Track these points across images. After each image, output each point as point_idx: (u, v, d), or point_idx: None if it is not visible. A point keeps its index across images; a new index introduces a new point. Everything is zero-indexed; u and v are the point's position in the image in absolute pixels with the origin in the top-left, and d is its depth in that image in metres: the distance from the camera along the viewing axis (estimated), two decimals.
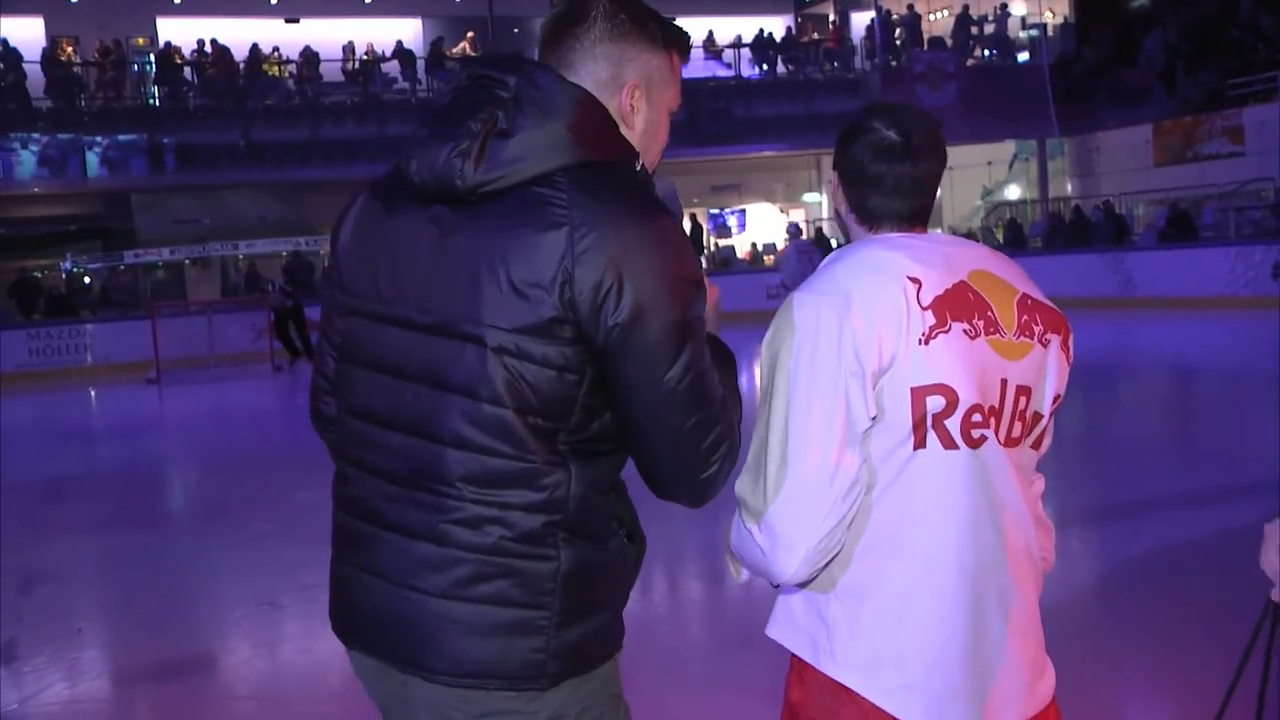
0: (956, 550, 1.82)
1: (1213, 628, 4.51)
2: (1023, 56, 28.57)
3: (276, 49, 25.81)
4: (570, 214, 1.57)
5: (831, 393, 1.75)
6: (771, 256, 26.94)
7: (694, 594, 5.71)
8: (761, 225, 29.07)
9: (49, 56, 24.22)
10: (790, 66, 28.20)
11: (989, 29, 28.65)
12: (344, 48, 26.17)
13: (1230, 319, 16.59)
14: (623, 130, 1.71)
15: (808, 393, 1.75)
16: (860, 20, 29.24)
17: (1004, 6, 28.99)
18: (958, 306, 1.84)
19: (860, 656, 1.82)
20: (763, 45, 28.15)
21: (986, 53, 28.51)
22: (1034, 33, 28.86)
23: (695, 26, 27.95)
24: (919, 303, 1.80)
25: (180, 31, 25.48)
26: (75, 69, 24.60)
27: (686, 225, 26.04)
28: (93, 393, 17.91)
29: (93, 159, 23.07)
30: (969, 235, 27.53)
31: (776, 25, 29.42)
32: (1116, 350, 15.28)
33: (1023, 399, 1.89)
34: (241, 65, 24.99)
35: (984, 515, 1.84)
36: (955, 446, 1.81)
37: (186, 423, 14.20)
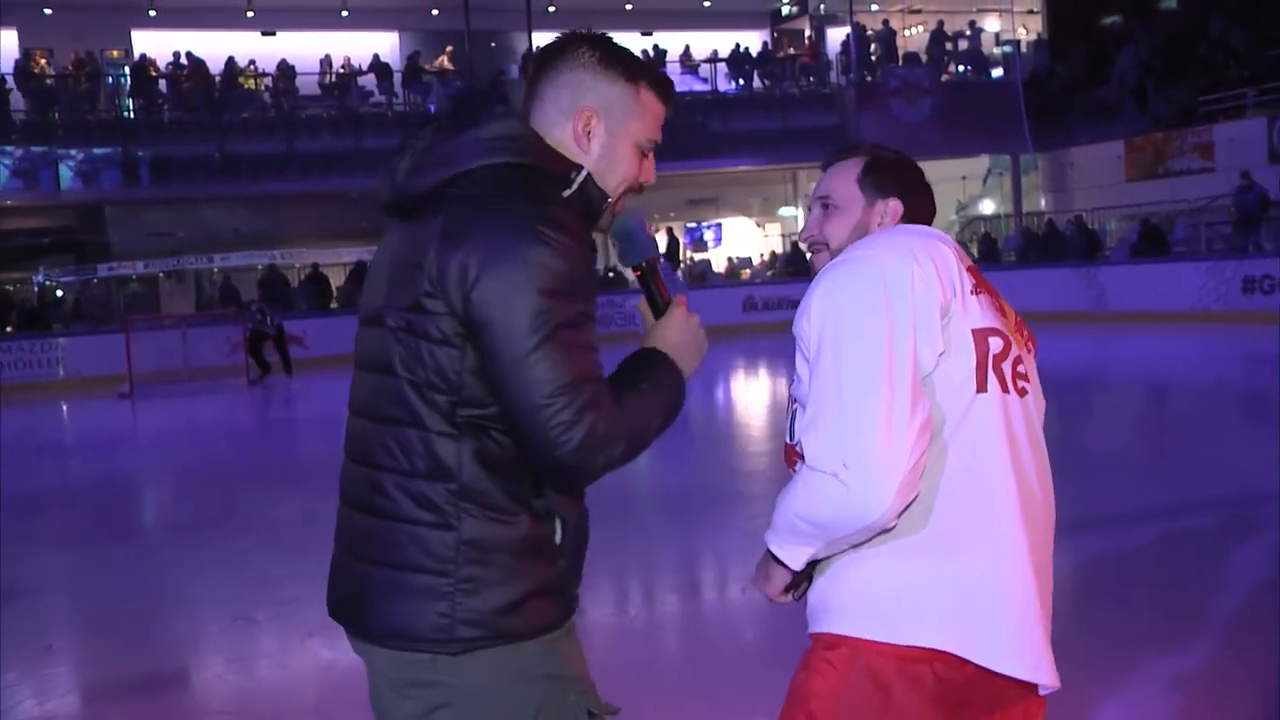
0: (1021, 499, 1.88)
1: (1189, 640, 4.54)
2: (997, 73, 28.80)
3: (252, 62, 25.75)
4: (451, 204, 1.75)
5: (905, 332, 1.78)
6: (748, 270, 27.02)
7: (670, 606, 5.71)
8: (738, 239, 29.16)
9: (22, 69, 24.08)
10: (766, 81, 28.33)
11: (963, 45, 28.87)
12: (320, 61, 26.12)
13: (1202, 333, 16.74)
14: (577, 154, 1.85)
15: (881, 333, 1.77)
16: (836, 36, 29.43)
17: (973, 24, 29.21)
18: (980, 281, 1.95)
19: (946, 616, 1.80)
20: (739, 60, 28.27)
21: (961, 68, 28.73)
22: (1007, 49, 29.11)
23: (672, 41, 28.07)
24: (960, 263, 1.91)
25: (155, 44, 25.39)
26: (49, 81, 24.47)
27: (663, 240, 26.15)
28: (65, 407, 17.78)
29: (66, 172, 22.94)
30: None
31: (753, 40, 29.57)
32: (1090, 364, 15.38)
33: (1025, 364, 1.99)
34: (217, 78, 24.92)
35: (1034, 463, 1.94)
36: (1009, 391, 1.89)
37: (160, 437, 14.11)
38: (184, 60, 25.04)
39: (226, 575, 6.63)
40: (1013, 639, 1.83)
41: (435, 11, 27.28)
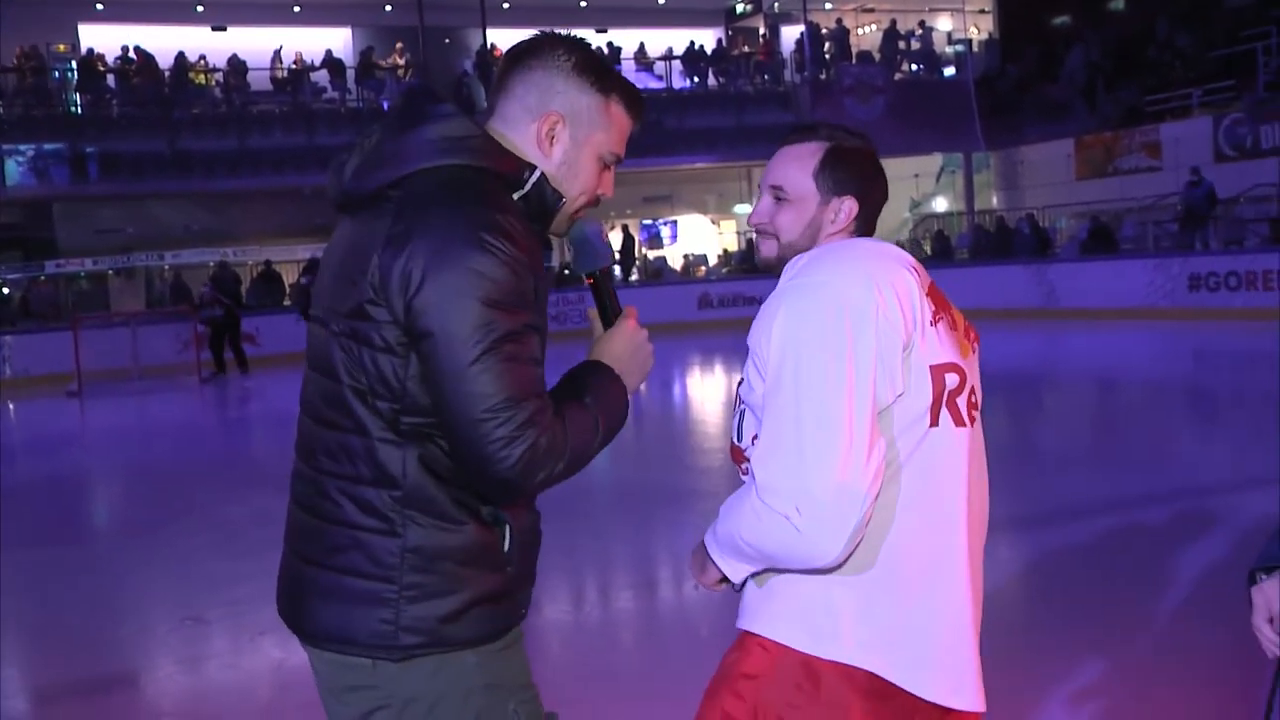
0: (965, 526, 1.91)
1: (1140, 634, 4.61)
2: (949, 71, 29.04)
3: (203, 57, 25.46)
4: (396, 207, 1.72)
5: (866, 370, 1.76)
6: (704, 268, 27.08)
7: (626, 603, 5.72)
8: (693, 236, 29.21)
9: None
10: (721, 79, 28.40)
11: (915, 44, 29.09)
12: (272, 56, 25.87)
13: (1149, 329, 16.97)
14: (537, 156, 1.84)
15: (842, 371, 1.75)
16: (790, 34, 29.56)
17: (925, 23, 29.44)
18: (938, 301, 1.93)
19: (874, 637, 1.82)
20: (694, 58, 28.33)
21: (913, 67, 28.94)
22: (959, 48, 29.37)
23: (627, 39, 28.07)
24: (921, 289, 1.88)
25: (103, 38, 25.05)
26: None
27: (618, 237, 26.13)
28: (11, 406, 17.50)
29: (13, 167, 22.57)
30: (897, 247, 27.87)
31: (707, 38, 29.64)
32: (1040, 360, 15.56)
33: (976, 392, 1.98)
34: (167, 73, 24.62)
35: (979, 491, 1.96)
36: (964, 424, 1.90)
37: (109, 436, 13.93)
38: (133, 55, 24.71)
39: (176, 575, 6.56)
40: (938, 666, 1.86)
41: (389, 7, 27.11)
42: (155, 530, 7.80)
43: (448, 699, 1.75)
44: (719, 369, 17.23)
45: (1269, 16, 23.30)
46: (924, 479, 1.84)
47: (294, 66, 25.93)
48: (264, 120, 24.74)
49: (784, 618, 1.86)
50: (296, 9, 26.55)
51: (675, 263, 27.34)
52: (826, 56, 28.01)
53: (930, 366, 1.84)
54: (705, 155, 26.53)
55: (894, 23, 28.87)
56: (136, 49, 24.72)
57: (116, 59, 24.69)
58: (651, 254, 27.94)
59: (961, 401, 1.89)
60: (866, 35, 29.97)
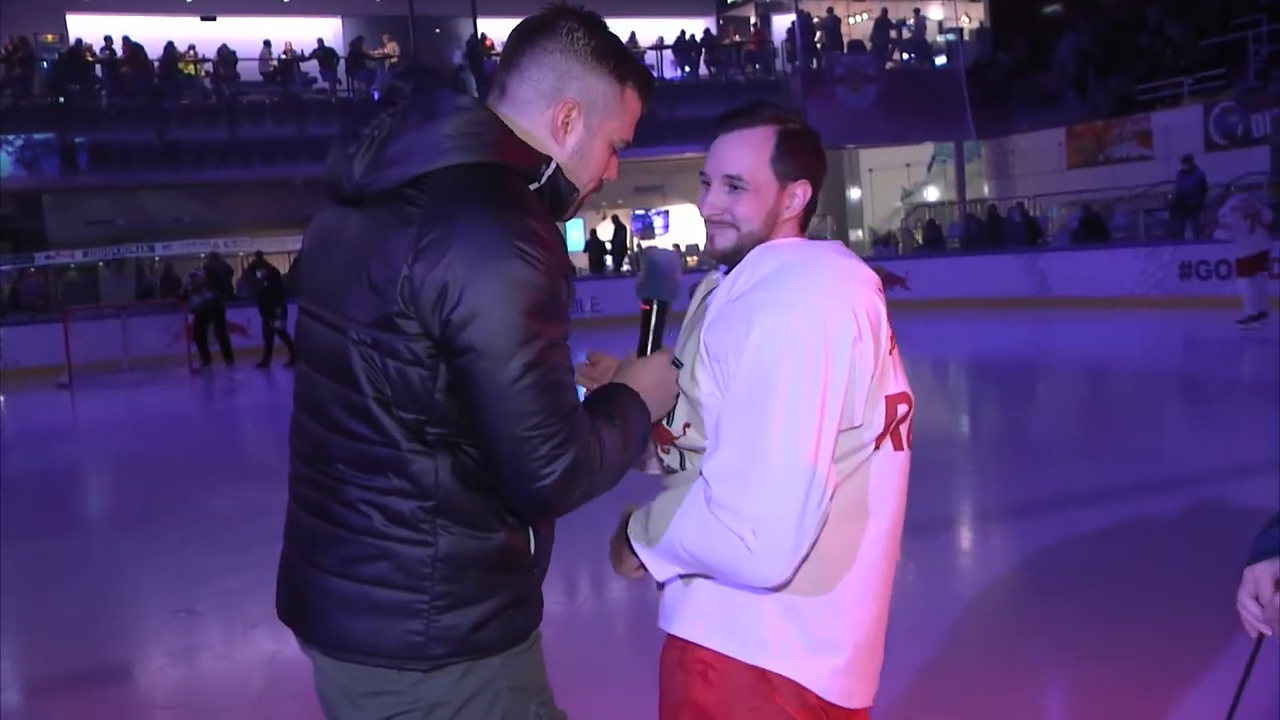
0: (889, 543, 1.94)
1: (1124, 625, 4.62)
2: (940, 60, 29.01)
3: (192, 47, 25.35)
4: (421, 213, 1.64)
5: (835, 404, 1.78)
6: (695, 257, 27.07)
7: (619, 595, 5.72)
8: (685, 226, 29.20)
9: None
10: (712, 68, 28.35)
11: (907, 33, 29.05)
12: (263, 46, 25.77)
13: (1141, 318, 17.00)
14: (550, 144, 1.77)
15: (815, 403, 1.76)
16: (781, 23, 29.50)
17: (917, 11, 29.40)
18: (891, 332, 1.94)
19: (796, 645, 1.85)
20: (685, 47, 28.26)
21: (905, 56, 28.91)
22: (950, 37, 29.33)
23: (618, 27, 27.38)
24: (885, 314, 1.89)
25: (91, 28, 24.93)
26: None
27: (609, 228, 26.10)
28: (2, 398, 17.45)
29: (2, 158, 22.47)
30: (888, 236, 27.96)
31: (698, 27, 29.57)
32: (1031, 349, 15.57)
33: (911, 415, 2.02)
34: (156, 63, 24.51)
35: (902, 508, 1.98)
36: (901, 449, 1.93)
37: (100, 428, 13.89)
38: (121, 45, 24.60)
39: (168, 567, 6.55)
40: (864, 676, 1.93)
41: None
42: (146, 522, 7.79)
43: (474, 703, 1.73)
44: None
45: (1259, 5, 23.31)
46: (859, 498, 1.88)
47: (284, 56, 25.82)
48: (254, 111, 24.65)
49: (702, 620, 1.90)
50: None
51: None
52: (818, 45, 27.96)
53: (886, 397, 1.87)
54: (697, 145, 26.39)
55: (885, 11, 28.84)
56: (125, 39, 24.60)
57: (104, 49, 24.56)
58: (644, 244, 27.91)
59: (904, 427, 1.93)
60: (858, 24, 29.92)
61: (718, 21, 30.86)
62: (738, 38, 29.86)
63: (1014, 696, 3.95)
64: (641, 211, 29.05)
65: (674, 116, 26.06)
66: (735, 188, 1.93)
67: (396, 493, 1.68)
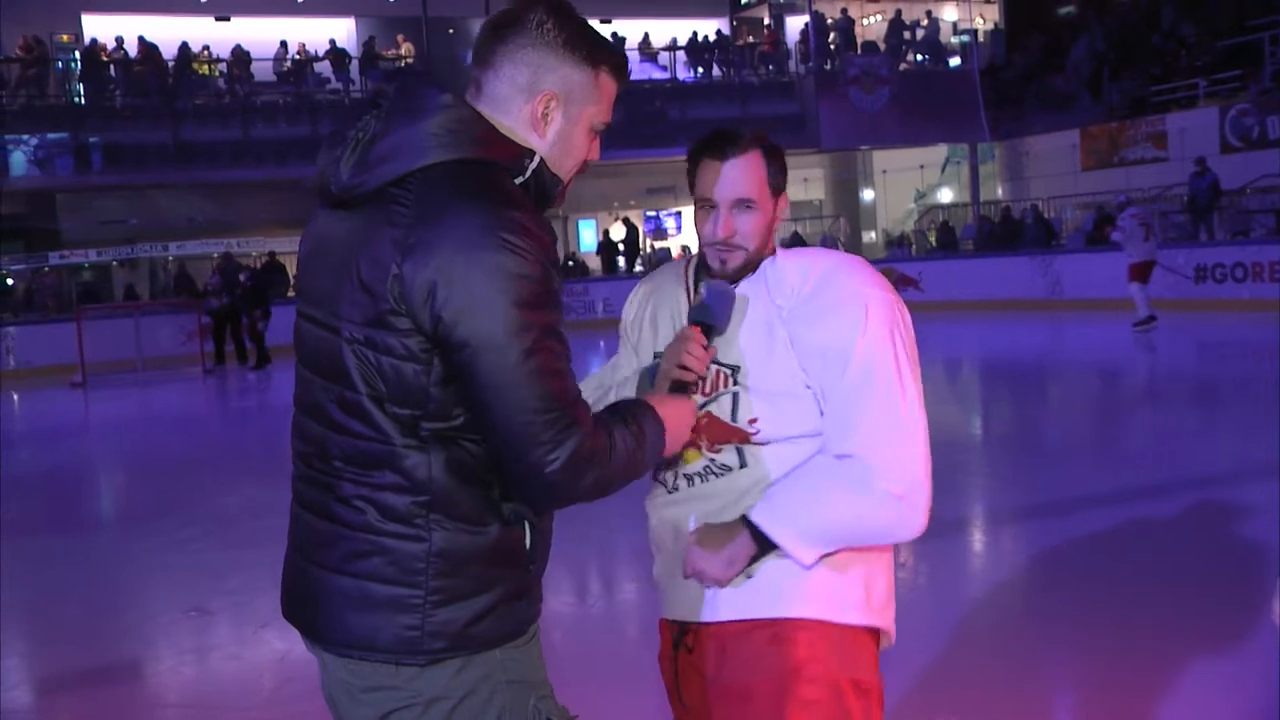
0: None
1: (1132, 627, 4.59)
2: (954, 61, 28.94)
3: (206, 47, 25.43)
4: (408, 212, 1.66)
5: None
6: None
7: (630, 594, 5.71)
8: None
9: None
10: (725, 69, 28.32)
11: (920, 34, 28.99)
12: (279, 46, 25.82)
13: (1156, 321, 16.90)
14: (531, 137, 1.79)
15: (916, 367, 2.06)
16: (795, 24, 29.46)
17: (930, 13, 29.34)
18: None
19: (881, 599, 2.11)
20: (698, 48, 28.24)
21: (919, 58, 28.84)
22: (964, 38, 29.25)
23: (631, 29, 28.00)
24: None
25: (106, 28, 25.02)
26: None
27: (621, 229, 26.10)
28: (15, 396, 17.51)
29: (17, 158, 22.56)
30: (902, 238, 27.91)
31: (711, 28, 29.55)
32: (1045, 352, 15.51)
33: None
34: (170, 63, 24.59)
35: None
36: None
37: (112, 426, 13.93)
38: (135, 45, 24.68)
39: (179, 566, 6.56)
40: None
41: None
42: (157, 520, 7.80)
43: (473, 697, 1.74)
44: None
45: (1276, 6, 23.16)
46: None
47: (297, 57, 25.88)
48: (268, 111, 24.71)
49: (824, 597, 2.03)
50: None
51: (678, 254, 27.32)
52: (831, 47, 27.92)
53: None
54: None
55: (899, 13, 28.78)
56: (140, 39, 24.68)
57: (118, 49, 24.64)
58: (656, 245, 27.91)
59: None
60: (871, 25, 29.88)
61: (731, 22, 30.83)
62: (751, 39, 29.82)
63: (1024, 697, 3.92)
64: (653, 213, 29.05)
65: (687, 118, 26.07)
66: (747, 209, 2.06)
67: (391, 488, 1.70)
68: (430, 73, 1.82)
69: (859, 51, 27.73)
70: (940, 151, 29.50)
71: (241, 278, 18.86)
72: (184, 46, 24.86)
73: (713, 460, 2.07)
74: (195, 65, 25.03)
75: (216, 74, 25.40)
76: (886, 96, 26.31)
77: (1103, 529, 6.14)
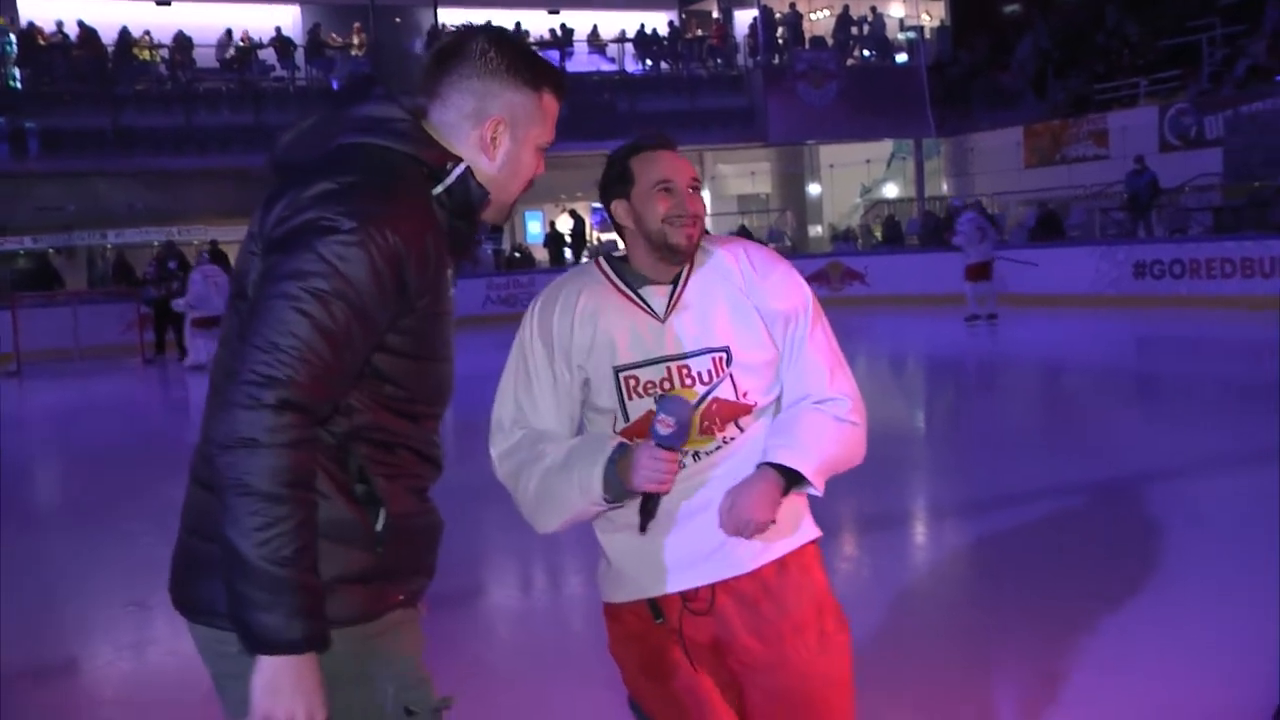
0: None
1: (1074, 616, 4.65)
2: (901, 58, 29.14)
3: (147, 32, 24.99)
4: (307, 176, 1.73)
5: None
6: None
7: (574, 585, 5.70)
8: None
9: None
10: (674, 62, 28.32)
11: (868, 30, 29.16)
12: (223, 34, 25.43)
13: (1096, 316, 17.17)
14: (481, 161, 1.85)
15: None
16: (743, 18, 29.51)
17: (876, 9, 29.52)
18: None
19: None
20: (647, 41, 28.22)
21: (866, 53, 29.02)
22: (911, 35, 29.46)
23: (580, 20, 27.92)
24: None
25: (44, 10, 24.51)
26: None
27: (567, 221, 26.03)
28: None
29: None
30: (848, 232, 28.08)
31: (660, 21, 29.53)
32: (988, 347, 15.68)
33: None
34: (110, 48, 24.15)
35: None
36: None
37: (48, 416, 13.68)
38: (74, 28, 24.21)
39: (118, 559, 6.45)
40: None
41: None
42: (96, 512, 7.67)
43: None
44: None
45: (1214, 8, 23.59)
46: None
47: (241, 44, 25.52)
48: (210, 98, 24.36)
49: (808, 521, 2.37)
50: None
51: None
52: (780, 41, 28.01)
53: None
54: None
55: (846, 8, 28.91)
56: (79, 23, 24.21)
57: (55, 32, 24.16)
58: (603, 238, 27.87)
59: None
60: (819, 21, 29.99)
61: (680, 15, 30.84)
62: (700, 32, 29.84)
63: (971, 682, 3.96)
64: (599, 206, 28.97)
65: (635, 110, 26.03)
66: (696, 190, 2.29)
67: (219, 445, 1.67)
68: (378, 77, 1.86)
69: (807, 46, 27.85)
70: (886, 147, 29.69)
71: (171, 265, 18.45)
72: (124, 31, 24.43)
73: (722, 437, 2.26)
74: (136, 50, 24.60)
75: (158, 60, 24.99)
76: (834, 91, 26.44)
77: (1045, 522, 6.22)
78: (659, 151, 2.29)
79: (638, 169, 2.28)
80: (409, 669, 1.80)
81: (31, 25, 24.12)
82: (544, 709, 4.04)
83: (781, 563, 2.28)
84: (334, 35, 26.35)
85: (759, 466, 2.23)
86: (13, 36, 24.07)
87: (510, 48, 1.87)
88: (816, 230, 30.67)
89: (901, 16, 30.63)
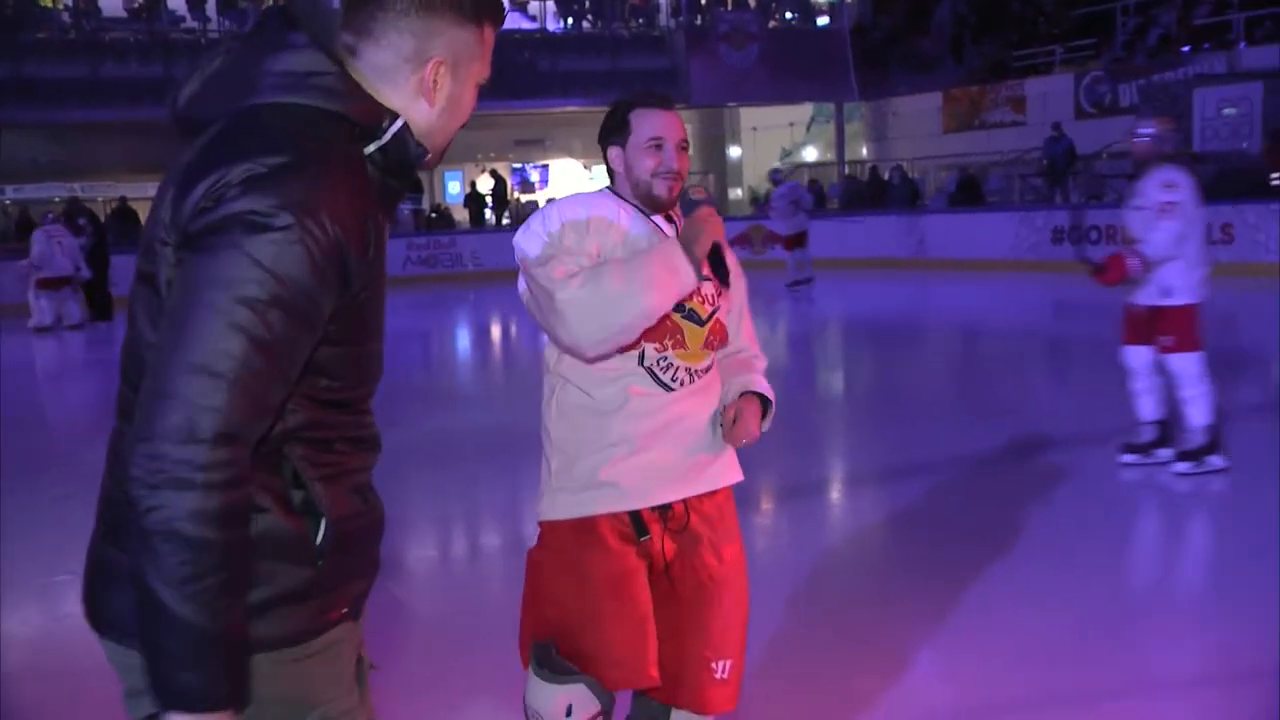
0: None
1: (997, 577, 4.68)
2: (822, 21, 29.16)
3: None
4: (213, 145, 1.53)
5: None
6: None
7: (495, 549, 5.63)
8: (565, 180, 28.96)
9: None
10: (596, 21, 28.05)
11: None
12: None
13: (1016, 280, 17.40)
14: (420, 105, 1.65)
15: None
16: None
17: None
18: None
19: None
20: None
21: (788, 15, 28.98)
22: None
23: None
24: None
25: None
26: None
27: (488, 181, 25.72)
28: None
29: None
30: (766, 196, 28.12)
31: None
32: (911, 310, 15.83)
33: None
34: None
35: None
36: None
37: None
38: None
39: (42, 528, 6.21)
40: None
41: None
42: (16, 478, 7.37)
43: None
44: None
45: None
46: None
47: None
48: (118, 49, 23.59)
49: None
50: None
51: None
52: (702, 2, 27.86)
53: None
54: (579, 99, 26.20)
55: None
56: None
57: None
58: (524, 198, 27.61)
59: None
60: None
61: None
62: None
63: (882, 644, 3.96)
64: (520, 165, 28.72)
65: (557, 69, 25.76)
66: (683, 150, 2.52)
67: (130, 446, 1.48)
68: (291, 12, 1.64)
69: (729, 8, 27.72)
70: (807, 110, 29.74)
71: (81, 222, 17.83)
72: None
73: (710, 358, 2.57)
74: None
75: (61, 7, 24.13)
76: (756, 53, 26.37)
77: (961, 483, 6.27)
78: (653, 110, 2.51)
79: (635, 122, 2.51)
80: (337, 695, 1.65)
81: None
82: (469, 676, 3.97)
83: (727, 490, 2.62)
84: None
85: (744, 394, 2.56)
86: None
87: None
88: (736, 193, 30.69)
89: None
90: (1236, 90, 18.40)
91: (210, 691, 1.41)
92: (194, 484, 1.38)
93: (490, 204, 25.72)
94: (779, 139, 30.19)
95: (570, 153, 29.53)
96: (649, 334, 2.43)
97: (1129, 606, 4.47)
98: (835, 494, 6.65)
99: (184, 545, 1.38)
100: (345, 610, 1.65)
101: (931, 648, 4.05)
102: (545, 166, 29.06)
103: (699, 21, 27.23)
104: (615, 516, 2.48)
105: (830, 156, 28.87)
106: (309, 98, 1.56)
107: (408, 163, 1.65)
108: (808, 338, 13.66)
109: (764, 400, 2.58)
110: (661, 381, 2.48)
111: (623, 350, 2.42)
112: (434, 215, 24.94)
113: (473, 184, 26.17)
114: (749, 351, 2.69)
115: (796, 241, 17.01)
